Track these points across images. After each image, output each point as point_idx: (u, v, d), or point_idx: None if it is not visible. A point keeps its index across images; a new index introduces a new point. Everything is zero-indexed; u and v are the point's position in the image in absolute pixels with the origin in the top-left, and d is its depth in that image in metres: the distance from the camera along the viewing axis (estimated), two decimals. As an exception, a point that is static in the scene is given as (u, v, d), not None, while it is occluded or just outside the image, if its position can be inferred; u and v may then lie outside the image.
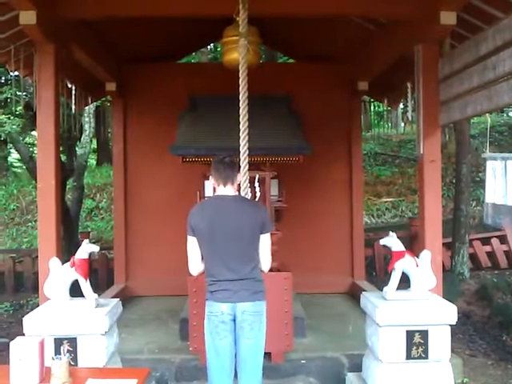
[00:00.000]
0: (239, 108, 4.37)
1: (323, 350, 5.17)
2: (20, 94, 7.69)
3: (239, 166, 3.90)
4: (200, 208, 3.71)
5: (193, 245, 3.56)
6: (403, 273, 4.15)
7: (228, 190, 3.60)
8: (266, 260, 3.62)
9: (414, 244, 8.69)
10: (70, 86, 6.52)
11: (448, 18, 4.61)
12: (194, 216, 3.57)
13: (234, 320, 3.49)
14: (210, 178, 3.71)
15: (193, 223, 3.53)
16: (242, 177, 4.34)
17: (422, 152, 5.06)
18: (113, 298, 4.78)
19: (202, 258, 3.58)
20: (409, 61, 5.29)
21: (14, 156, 19.16)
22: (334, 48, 7.70)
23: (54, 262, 4.08)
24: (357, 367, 4.66)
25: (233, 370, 3.58)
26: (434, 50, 5.02)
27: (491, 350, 6.32)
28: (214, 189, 3.76)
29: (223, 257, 3.48)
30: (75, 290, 4.05)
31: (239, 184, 3.85)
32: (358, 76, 7.40)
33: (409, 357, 3.98)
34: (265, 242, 3.59)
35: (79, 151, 10.52)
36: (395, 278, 4.15)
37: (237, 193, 3.72)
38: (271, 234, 3.68)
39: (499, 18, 4.17)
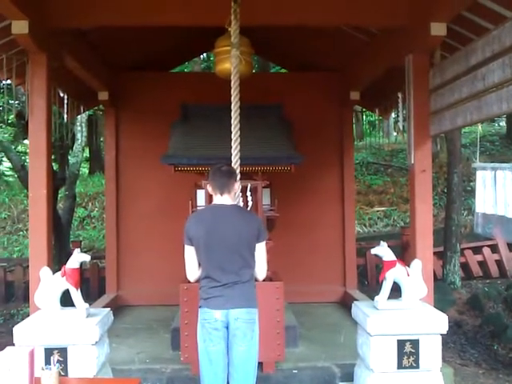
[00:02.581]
0: (231, 117, 4.39)
1: (315, 360, 5.17)
2: (12, 102, 7.70)
3: (236, 175, 3.92)
4: (197, 217, 3.75)
5: (190, 254, 3.58)
6: (394, 282, 4.16)
7: (225, 199, 3.62)
8: (261, 269, 3.65)
9: (405, 253, 8.72)
10: (62, 94, 6.51)
11: (438, 29, 4.65)
12: (191, 225, 3.59)
13: (227, 327, 3.50)
14: (208, 186, 3.74)
15: (190, 232, 3.55)
16: (234, 186, 4.34)
17: (413, 162, 5.09)
18: (104, 307, 4.78)
19: (199, 266, 3.60)
20: (400, 71, 5.32)
21: (5, 165, 19.08)
22: (326, 58, 7.75)
23: (45, 271, 4.06)
24: (348, 377, 4.66)
25: (225, 378, 3.58)
26: (424, 61, 5.06)
27: (482, 359, 6.34)
28: (211, 197, 3.78)
29: (220, 264, 3.49)
30: (66, 300, 4.04)
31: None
32: (350, 86, 7.43)
33: (400, 366, 3.98)
34: (260, 250, 3.63)
35: (71, 160, 10.50)
36: (386, 288, 4.16)
37: (234, 202, 3.74)
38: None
39: (489, 29, 4.21)
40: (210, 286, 3.51)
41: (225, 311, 3.46)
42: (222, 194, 3.61)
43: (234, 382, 3.56)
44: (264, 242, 3.66)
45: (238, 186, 3.78)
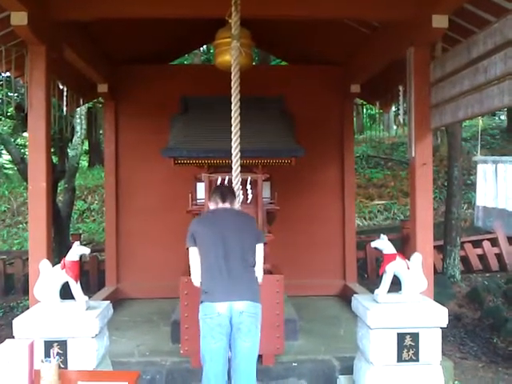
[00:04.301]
0: (231, 110, 4.37)
1: (315, 353, 5.17)
2: (11, 95, 7.67)
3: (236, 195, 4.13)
4: (200, 219, 3.94)
5: (195, 256, 3.66)
6: (394, 275, 4.16)
7: (226, 206, 3.79)
8: (258, 271, 3.74)
9: (405, 247, 8.71)
10: (61, 87, 6.48)
11: (440, 21, 4.62)
12: (195, 226, 3.71)
13: (230, 322, 3.51)
14: (209, 204, 3.91)
15: (194, 232, 3.65)
16: (234, 179, 4.36)
17: (413, 155, 5.07)
18: (104, 300, 4.77)
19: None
20: (401, 64, 5.30)
21: (5, 157, 19.08)
22: (327, 50, 7.71)
23: (45, 263, 4.05)
24: (348, 370, 4.66)
25: (226, 373, 3.60)
26: (425, 53, 5.04)
27: (482, 352, 6.35)
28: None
29: (222, 258, 3.56)
30: (66, 293, 4.03)
31: None
32: (351, 79, 7.41)
33: (400, 359, 3.99)
34: (259, 252, 3.72)
35: (71, 153, 10.47)
36: (386, 281, 4.15)
37: None
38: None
39: (491, 21, 4.19)
40: (212, 280, 3.55)
41: (228, 303, 3.48)
42: (223, 202, 3.79)
43: (236, 375, 3.60)
44: (262, 244, 3.77)
45: (237, 205, 3.96)
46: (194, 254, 3.65)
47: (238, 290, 3.52)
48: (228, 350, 3.58)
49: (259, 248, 3.71)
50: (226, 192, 3.83)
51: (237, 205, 3.99)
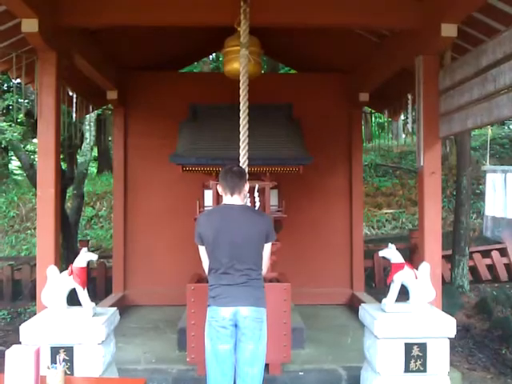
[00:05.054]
0: (240, 117, 4.38)
1: (321, 362, 5.14)
2: (21, 101, 7.73)
3: (246, 176, 3.90)
4: (207, 217, 3.77)
5: (203, 253, 3.66)
6: (402, 285, 4.13)
7: (235, 200, 3.65)
8: (264, 265, 3.70)
9: (413, 256, 8.68)
10: (71, 93, 6.53)
11: (449, 30, 4.61)
12: (201, 225, 3.64)
13: (236, 326, 3.50)
14: (218, 186, 3.76)
15: (200, 232, 3.61)
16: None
17: (422, 164, 5.06)
18: (111, 306, 4.77)
19: None
20: (409, 72, 5.30)
21: (14, 163, 19.19)
22: (336, 59, 7.72)
23: (52, 270, 4.06)
24: (355, 379, 4.64)
25: (232, 378, 3.57)
26: (434, 62, 5.03)
27: (490, 363, 6.28)
28: (219, 197, 3.81)
29: (228, 264, 3.53)
30: (73, 299, 4.04)
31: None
32: (359, 87, 7.40)
33: (407, 370, 3.96)
34: (266, 250, 3.68)
35: (80, 159, 10.53)
36: (394, 290, 4.13)
37: (243, 202, 3.75)
38: (271, 244, 3.72)
39: (500, 30, 4.18)
40: (218, 284, 3.54)
41: (233, 309, 3.47)
42: (232, 195, 3.65)
43: (241, 380, 3.56)
44: (271, 243, 3.70)
45: (247, 186, 3.79)
46: (202, 250, 3.67)
47: (243, 296, 3.50)
48: (234, 354, 3.55)
49: (267, 247, 3.66)
50: (237, 181, 3.63)
51: (246, 189, 3.76)
